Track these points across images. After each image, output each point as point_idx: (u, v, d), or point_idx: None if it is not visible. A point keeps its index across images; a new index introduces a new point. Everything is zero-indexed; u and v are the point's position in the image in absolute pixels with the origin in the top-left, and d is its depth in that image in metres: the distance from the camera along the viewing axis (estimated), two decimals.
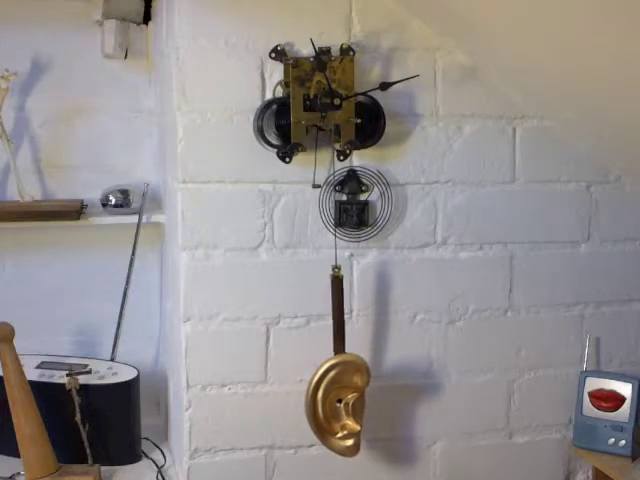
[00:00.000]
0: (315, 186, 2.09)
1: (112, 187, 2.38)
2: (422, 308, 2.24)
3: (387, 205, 2.17)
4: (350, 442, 2.08)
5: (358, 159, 2.15)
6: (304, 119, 2.03)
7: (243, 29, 2.05)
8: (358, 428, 2.07)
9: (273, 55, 2.05)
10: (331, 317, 2.09)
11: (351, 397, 2.07)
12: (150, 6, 2.38)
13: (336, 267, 2.08)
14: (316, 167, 2.09)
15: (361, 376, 2.07)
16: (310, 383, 2.05)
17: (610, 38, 1.68)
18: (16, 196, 2.34)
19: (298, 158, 2.08)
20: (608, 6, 1.57)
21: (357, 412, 2.07)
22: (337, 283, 2.08)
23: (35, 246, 2.43)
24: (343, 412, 2.07)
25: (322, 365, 2.06)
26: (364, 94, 2.06)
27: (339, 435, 2.08)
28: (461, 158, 2.21)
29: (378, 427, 2.24)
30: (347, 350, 2.13)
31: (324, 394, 2.05)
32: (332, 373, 2.05)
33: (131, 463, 2.28)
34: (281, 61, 2.05)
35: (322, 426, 2.07)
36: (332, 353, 2.09)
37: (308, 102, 2.03)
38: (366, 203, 2.15)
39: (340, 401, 2.07)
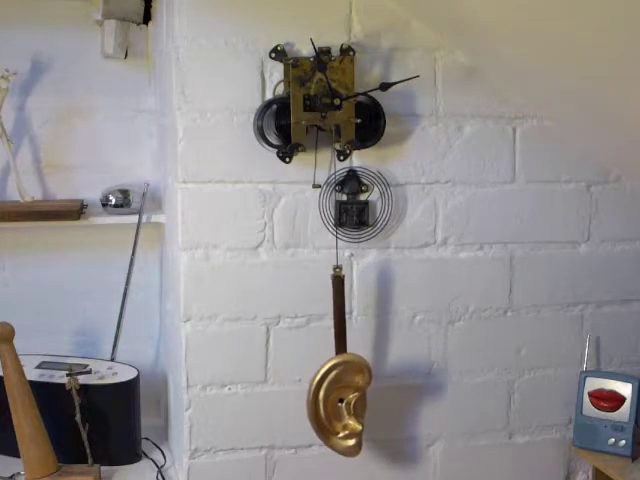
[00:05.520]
0: (315, 186, 2.09)
1: (112, 187, 2.38)
2: (422, 308, 2.24)
3: (387, 205, 2.17)
4: (352, 442, 2.08)
5: (358, 159, 2.15)
6: (304, 119, 2.03)
7: (243, 29, 2.05)
8: (360, 428, 2.07)
9: (273, 55, 2.05)
10: (331, 317, 2.09)
11: (353, 397, 2.06)
12: (150, 6, 2.38)
13: (337, 267, 2.08)
14: (316, 167, 2.09)
15: (362, 376, 2.07)
16: (312, 383, 2.05)
17: (610, 38, 1.68)
18: (16, 196, 2.34)
19: (298, 158, 2.08)
20: (608, 6, 1.57)
21: (358, 412, 2.07)
22: (338, 283, 2.08)
23: (35, 246, 2.43)
24: (345, 412, 2.07)
25: (324, 365, 2.05)
26: (364, 94, 2.06)
27: (341, 435, 2.08)
28: (461, 158, 2.21)
29: (378, 427, 2.24)
30: (347, 350, 2.13)
31: (326, 394, 2.04)
32: (333, 373, 2.05)
33: (131, 463, 2.28)
34: (281, 61, 2.06)
35: (324, 426, 2.06)
36: (332, 353, 2.09)
37: (308, 102, 2.03)
38: (366, 203, 2.15)
39: (342, 401, 2.07)
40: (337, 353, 2.09)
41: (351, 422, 2.07)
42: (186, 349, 2.12)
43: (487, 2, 1.84)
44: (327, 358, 2.07)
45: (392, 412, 2.26)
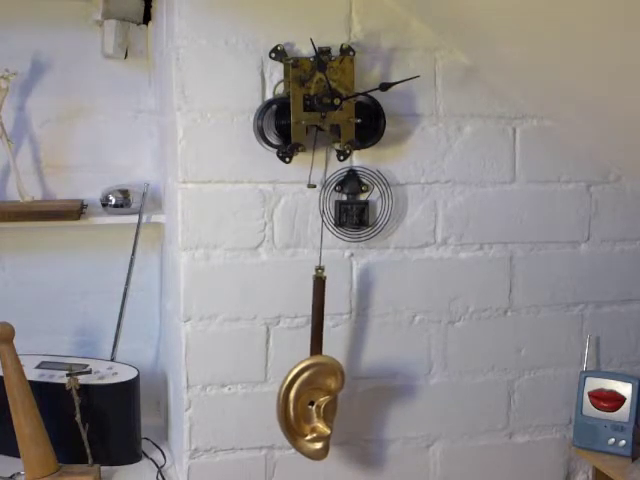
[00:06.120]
0: (310, 186, 2.08)
1: (112, 187, 2.38)
2: (422, 308, 2.24)
3: (387, 205, 2.17)
4: (319, 445, 2.07)
5: (358, 159, 2.15)
6: (304, 119, 2.03)
7: (243, 29, 2.05)
8: (328, 432, 2.05)
9: (273, 55, 2.05)
10: (331, 317, 2.10)
11: (323, 400, 2.05)
12: (150, 6, 2.38)
13: (319, 268, 2.08)
14: (316, 167, 2.10)
15: (335, 379, 2.06)
16: (283, 383, 2.04)
17: (610, 38, 1.68)
18: (16, 196, 2.34)
19: (298, 158, 2.08)
20: (608, 6, 1.57)
21: (328, 415, 2.06)
22: (319, 284, 2.08)
23: (35, 246, 2.43)
24: (314, 414, 2.06)
25: (296, 365, 2.04)
26: (364, 94, 2.06)
27: (308, 437, 2.06)
28: (461, 158, 2.21)
29: (378, 427, 2.24)
30: (346, 349, 2.13)
31: (296, 395, 2.03)
32: (306, 374, 2.03)
33: (131, 463, 2.27)
34: (281, 61, 2.06)
35: (292, 427, 2.05)
36: (332, 353, 2.09)
37: (308, 102, 2.03)
38: (366, 203, 2.15)
39: (312, 403, 2.06)
40: (312, 354, 2.08)
41: (320, 425, 2.05)
42: (186, 349, 2.12)
43: (487, 2, 1.84)
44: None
45: (392, 412, 2.26)
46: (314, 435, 2.06)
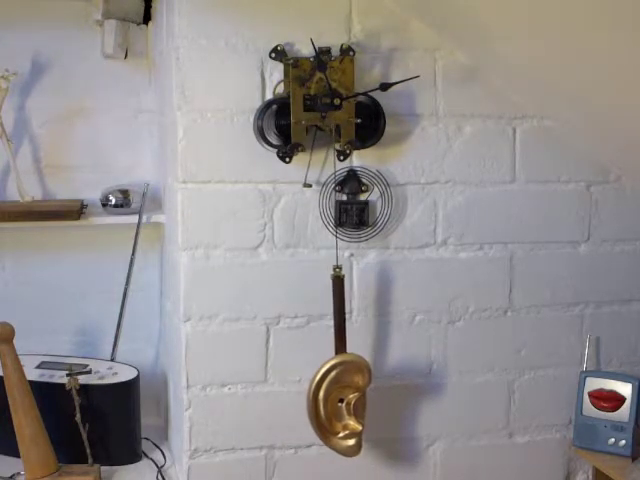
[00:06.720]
0: (306, 185, 2.08)
1: (112, 187, 2.38)
2: (422, 308, 2.24)
3: (387, 205, 2.17)
4: (352, 442, 2.08)
5: (358, 159, 2.15)
6: (304, 119, 2.04)
7: (243, 29, 2.05)
8: (360, 428, 2.07)
9: (273, 55, 2.05)
10: (331, 317, 2.09)
11: (353, 397, 2.07)
12: (150, 6, 2.38)
13: (337, 267, 2.08)
14: (317, 167, 2.10)
15: (362, 376, 2.07)
16: (312, 383, 2.05)
17: (610, 38, 1.68)
18: (16, 196, 2.34)
19: (298, 158, 2.08)
20: (608, 6, 1.57)
21: (359, 412, 2.07)
22: (338, 283, 2.08)
23: (35, 246, 2.43)
24: (345, 412, 2.07)
25: (323, 365, 2.05)
26: (364, 94, 2.06)
27: (341, 435, 2.08)
28: (461, 158, 2.21)
29: (378, 427, 2.24)
30: (346, 349, 2.13)
31: (325, 394, 2.05)
32: (333, 373, 2.05)
33: (131, 463, 2.28)
34: (281, 61, 2.06)
35: (324, 426, 2.06)
36: (332, 353, 2.09)
37: (308, 102, 2.03)
38: (366, 203, 2.15)
39: (342, 401, 2.07)
40: (337, 353, 2.09)
41: (351, 422, 2.07)
42: (186, 349, 2.12)
43: (487, 2, 1.84)
44: (327, 358, 2.07)
45: (392, 412, 2.26)
46: (346, 432, 2.07)
